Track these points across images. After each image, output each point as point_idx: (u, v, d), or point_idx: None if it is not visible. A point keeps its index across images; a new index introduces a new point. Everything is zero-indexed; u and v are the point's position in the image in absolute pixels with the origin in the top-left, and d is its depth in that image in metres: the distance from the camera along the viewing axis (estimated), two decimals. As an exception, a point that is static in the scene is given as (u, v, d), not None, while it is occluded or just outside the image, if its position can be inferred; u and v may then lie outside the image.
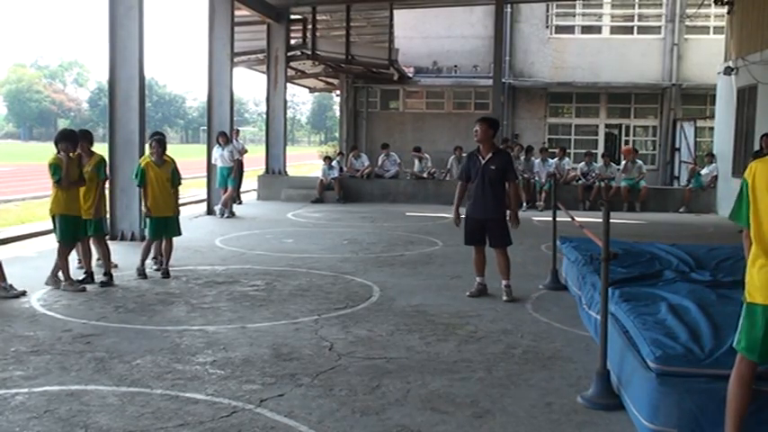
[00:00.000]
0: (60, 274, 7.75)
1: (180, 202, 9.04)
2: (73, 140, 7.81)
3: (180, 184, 8.67)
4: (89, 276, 8.02)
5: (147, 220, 8.54)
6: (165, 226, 8.50)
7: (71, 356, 5.40)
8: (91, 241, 8.21)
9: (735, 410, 3.59)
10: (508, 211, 7.67)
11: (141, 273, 8.31)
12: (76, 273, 8.09)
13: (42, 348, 5.59)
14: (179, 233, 8.69)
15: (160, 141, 8.55)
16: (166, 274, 8.39)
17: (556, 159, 18.67)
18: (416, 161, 19.52)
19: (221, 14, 15.84)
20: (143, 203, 8.52)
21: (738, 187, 3.63)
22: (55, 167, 7.62)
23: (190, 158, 30.84)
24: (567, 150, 20.63)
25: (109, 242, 8.50)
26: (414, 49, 24.68)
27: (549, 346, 5.88)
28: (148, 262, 8.63)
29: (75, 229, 7.83)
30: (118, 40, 11.14)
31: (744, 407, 3.59)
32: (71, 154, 7.73)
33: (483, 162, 7.54)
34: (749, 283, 3.52)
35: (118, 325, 6.34)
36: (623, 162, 18.71)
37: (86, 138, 8.22)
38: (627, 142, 24.64)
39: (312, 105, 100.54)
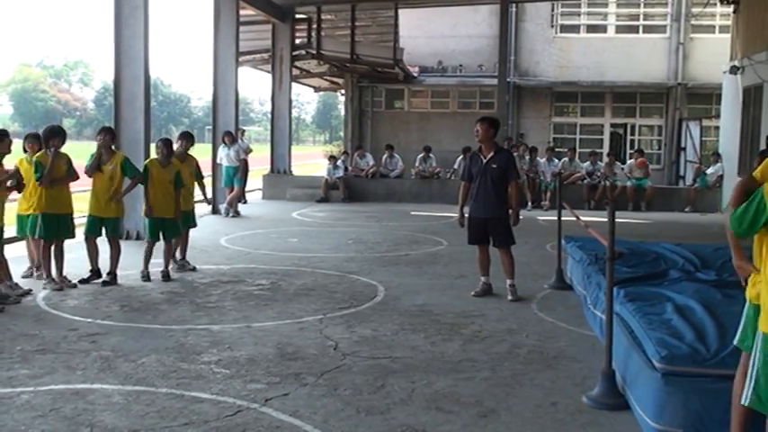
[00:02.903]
0: (54, 272, 7.74)
1: (189, 203, 9.03)
2: (61, 136, 7.77)
3: (183, 185, 8.55)
4: (94, 275, 8.03)
5: (147, 221, 8.49)
6: (162, 227, 8.41)
7: (76, 355, 5.41)
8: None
9: (741, 408, 3.57)
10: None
11: (145, 276, 8.24)
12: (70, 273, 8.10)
13: (48, 347, 5.60)
14: (178, 234, 8.63)
15: (166, 142, 8.54)
16: (167, 277, 8.31)
17: (565, 159, 18.64)
18: (421, 158, 19.45)
19: (226, 14, 15.87)
20: (144, 203, 8.50)
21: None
22: (37, 165, 7.54)
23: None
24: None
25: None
26: (419, 48, 24.65)
27: (554, 346, 5.87)
28: (173, 267, 8.65)
29: (57, 228, 7.71)
30: (123, 39, 11.16)
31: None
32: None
33: (485, 161, 7.53)
34: (753, 287, 3.45)
35: (123, 324, 6.35)
36: (629, 162, 18.67)
37: (109, 134, 8.19)
38: (632, 142, 24.62)
39: (317, 105, 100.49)
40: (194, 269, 8.86)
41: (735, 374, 3.64)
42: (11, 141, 7.19)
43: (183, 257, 9.01)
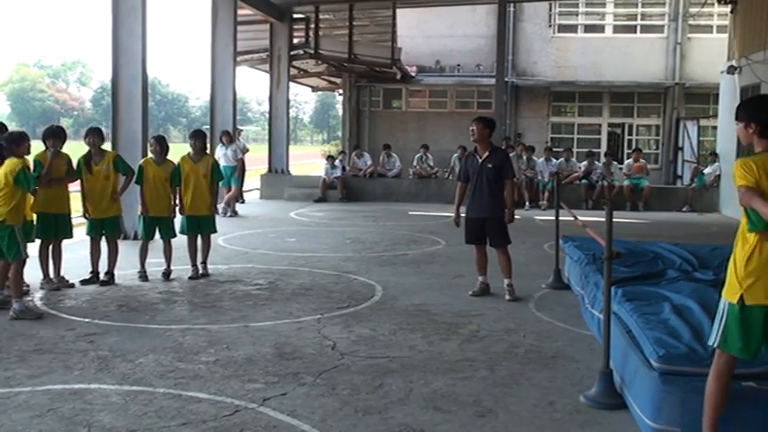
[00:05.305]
0: (51, 273, 7.72)
1: (206, 206, 8.67)
2: (60, 137, 7.73)
3: (178, 185, 8.43)
4: (95, 276, 8.02)
5: (140, 219, 8.41)
6: (157, 226, 8.33)
7: (74, 355, 5.41)
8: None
9: (713, 407, 3.64)
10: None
11: (143, 275, 8.22)
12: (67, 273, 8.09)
13: (45, 347, 5.60)
14: (174, 235, 8.48)
15: (159, 140, 8.49)
16: (166, 276, 8.31)
17: (561, 159, 18.66)
18: (419, 158, 19.45)
19: (224, 13, 15.86)
20: (139, 201, 8.44)
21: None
22: (36, 164, 7.47)
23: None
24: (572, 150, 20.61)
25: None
26: (416, 48, 24.65)
27: (552, 346, 5.87)
28: (187, 270, 8.55)
29: (55, 227, 7.66)
30: (120, 39, 11.15)
31: (722, 403, 3.64)
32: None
33: (480, 161, 7.55)
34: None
35: (121, 324, 6.34)
36: (627, 162, 18.69)
37: (97, 135, 8.13)
38: (630, 141, 24.64)
39: (315, 104, 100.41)
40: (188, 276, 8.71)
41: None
42: (29, 144, 7.11)
43: (204, 262, 8.71)
